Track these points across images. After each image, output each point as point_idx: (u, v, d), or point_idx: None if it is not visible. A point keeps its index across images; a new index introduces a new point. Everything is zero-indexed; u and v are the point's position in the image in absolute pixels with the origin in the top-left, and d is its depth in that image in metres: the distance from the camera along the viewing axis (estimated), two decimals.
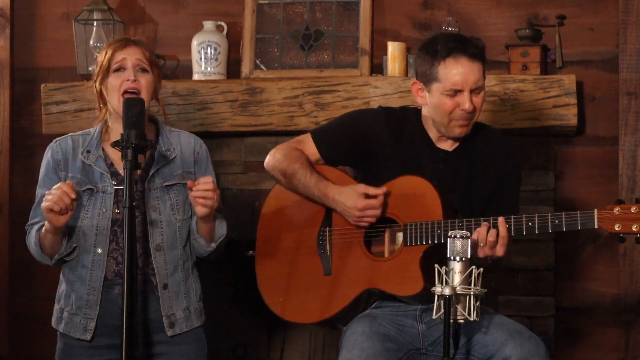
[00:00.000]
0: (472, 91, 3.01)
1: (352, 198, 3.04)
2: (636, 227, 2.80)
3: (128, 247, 2.86)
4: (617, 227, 2.82)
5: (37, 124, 4.23)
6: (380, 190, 3.02)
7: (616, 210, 2.83)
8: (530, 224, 2.90)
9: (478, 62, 3.02)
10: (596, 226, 2.84)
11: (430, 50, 3.03)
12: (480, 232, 2.89)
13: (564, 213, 2.88)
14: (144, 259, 3.12)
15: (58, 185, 2.99)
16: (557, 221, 2.88)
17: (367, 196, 3.03)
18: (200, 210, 3.06)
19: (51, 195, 2.97)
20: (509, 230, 2.90)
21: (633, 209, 2.81)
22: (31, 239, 3.14)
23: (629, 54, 3.85)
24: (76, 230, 3.13)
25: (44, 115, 4.09)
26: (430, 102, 3.06)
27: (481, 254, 2.90)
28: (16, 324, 4.34)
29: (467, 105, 3.00)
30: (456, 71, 2.99)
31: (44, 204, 2.97)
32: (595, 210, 2.84)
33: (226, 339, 4.33)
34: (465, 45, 3.01)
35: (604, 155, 3.91)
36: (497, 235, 2.89)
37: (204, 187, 3.04)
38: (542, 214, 2.90)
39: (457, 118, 3.03)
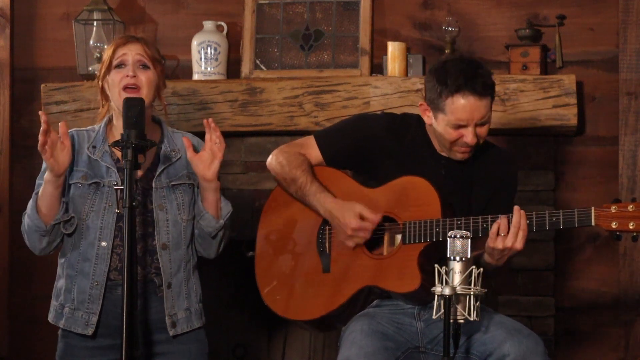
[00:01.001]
0: (477, 125, 3.02)
1: (347, 216, 3.05)
2: (633, 225, 2.81)
3: (128, 247, 2.86)
4: (613, 225, 2.83)
5: (37, 124, 4.15)
6: (375, 217, 3.03)
7: (613, 208, 2.84)
8: (527, 221, 2.91)
9: (486, 99, 3.01)
10: (593, 223, 2.85)
11: (440, 80, 3.00)
12: (501, 222, 2.91)
13: (561, 210, 2.89)
14: (148, 257, 3.13)
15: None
16: (554, 219, 2.89)
17: (362, 218, 3.04)
18: (211, 156, 3.08)
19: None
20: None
21: (630, 208, 2.82)
22: (27, 210, 3.11)
23: (629, 54, 3.85)
24: (80, 223, 3.12)
25: None
26: (436, 127, 3.07)
27: (500, 244, 2.91)
28: (16, 324, 4.33)
29: (470, 139, 3.02)
30: (463, 109, 2.98)
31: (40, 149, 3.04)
32: (593, 208, 2.85)
33: (226, 339, 4.33)
34: (474, 82, 2.98)
35: (604, 155, 3.91)
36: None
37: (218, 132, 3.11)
38: (539, 211, 2.92)
39: (460, 146, 3.05)
